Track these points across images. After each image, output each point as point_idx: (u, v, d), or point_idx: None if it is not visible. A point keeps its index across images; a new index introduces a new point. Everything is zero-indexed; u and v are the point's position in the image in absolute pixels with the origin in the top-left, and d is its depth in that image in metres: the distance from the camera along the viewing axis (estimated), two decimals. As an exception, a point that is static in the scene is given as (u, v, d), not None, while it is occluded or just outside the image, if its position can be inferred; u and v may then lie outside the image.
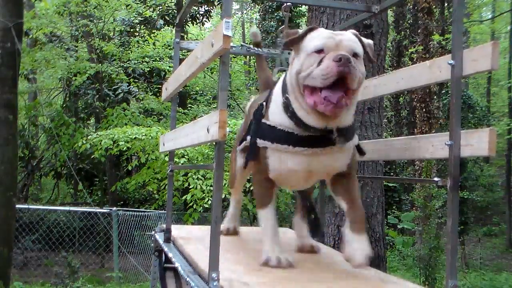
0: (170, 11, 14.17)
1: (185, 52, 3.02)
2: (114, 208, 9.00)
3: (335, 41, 1.67)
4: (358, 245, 1.73)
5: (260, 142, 1.84)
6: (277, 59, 2.53)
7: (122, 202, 12.60)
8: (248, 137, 1.92)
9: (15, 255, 8.12)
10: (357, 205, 1.83)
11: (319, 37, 1.70)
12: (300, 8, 14.54)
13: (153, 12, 14.00)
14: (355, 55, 1.68)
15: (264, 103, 1.92)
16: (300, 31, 1.77)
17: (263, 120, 1.86)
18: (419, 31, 12.88)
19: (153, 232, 2.86)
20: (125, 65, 12.05)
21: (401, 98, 15.83)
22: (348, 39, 1.71)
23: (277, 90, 1.88)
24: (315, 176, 1.93)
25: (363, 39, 1.80)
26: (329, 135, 1.73)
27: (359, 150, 1.96)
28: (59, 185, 15.64)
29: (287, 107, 1.77)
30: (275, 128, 1.80)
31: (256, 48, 2.57)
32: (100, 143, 8.93)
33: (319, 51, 1.66)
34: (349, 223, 1.79)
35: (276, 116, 1.82)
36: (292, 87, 1.75)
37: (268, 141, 1.81)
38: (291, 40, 1.76)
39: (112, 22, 12.67)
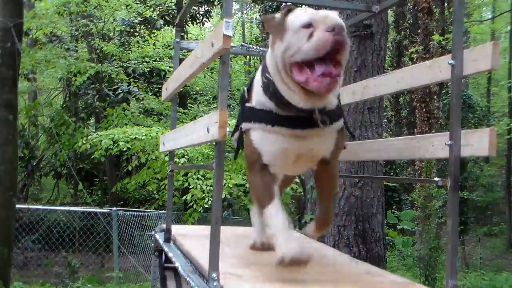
0: (170, 11, 14.16)
1: (185, 52, 3.02)
2: (114, 208, 9.00)
3: (321, 15, 1.64)
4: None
5: (243, 125, 1.82)
6: None
7: (122, 202, 12.60)
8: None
9: (15, 255, 8.11)
10: (328, 203, 1.93)
11: (304, 13, 1.66)
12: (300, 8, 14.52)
13: (153, 12, 13.99)
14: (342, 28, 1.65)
15: (246, 89, 1.92)
16: (277, 15, 1.74)
17: (246, 104, 1.85)
18: (419, 31, 12.88)
19: (153, 232, 2.87)
20: (125, 65, 12.04)
21: (401, 98, 15.82)
22: (333, 13, 1.68)
23: (258, 74, 1.87)
24: (303, 160, 1.84)
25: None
26: (311, 116, 1.69)
27: (348, 130, 1.98)
28: (59, 185, 15.64)
29: (267, 88, 1.74)
30: (254, 108, 1.78)
31: (256, 48, 2.57)
32: (100, 143, 8.93)
33: (307, 25, 1.61)
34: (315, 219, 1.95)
35: (256, 98, 1.80)
36: (276, 68, 1.70)
37: (248, 122, 1.79)
38: (274, 25, 1.71)
39: (112, 22, 12.66)
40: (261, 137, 1.75)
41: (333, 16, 1.65)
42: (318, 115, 1.68)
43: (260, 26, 15.76)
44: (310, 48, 1.57)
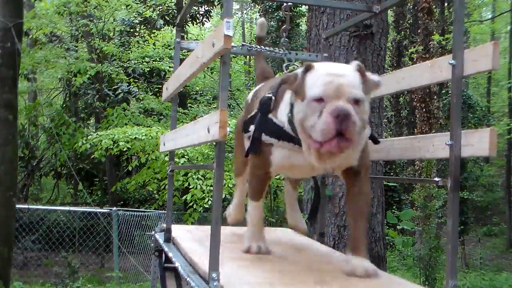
0: (170, 11, 14.17)
1: (185, 52, 3.02)
2: (114, 208, 9.00)
3: (334, 87, 1.60)
4: (356, 262, 1.78)
5: (266, 139, 1.84)
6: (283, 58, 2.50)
7: (122, 202, 12.60)
8: (252, 126, 1.91)
9: (15, 255, 8.12)
10: (362, 220, 1.85)
11: (317, 83, 1.63)
12: (300, 8, 14.53)
13: (153, 12, 14.00)
14: (356, 101, 1.62)
15: (273, 98, 1.87)
16: (298, 73, 1.71)
17: (271, 116, 1.85)
18: (419, 31, 12.89)
19: (153, 232, 2.86)
20: (125, 65, 12.04)
21: (401, 98, 15.82)
22: (348, 82, 1.63)
23: (288, 94, 1.83)
24: (319, 170, 1.92)
25: (368, 74, 1.73)
26: None
27: (373, 139, 1.97)
28: (59, 185, 15.64)
29: (291, 123, 1.76)
30: (281, 128, 1.80)
31: (256, 47, 2.56)
32: (100, 143, 8.93)
33: (319, 99, 1.61)
34: (351, 241, 1.87)
35: (283, 116, 1.81)
36: (297, 125, 1.72)
37: (275, 138, 1.82)
38: (295, 86, 1.71)
39: (112, 22, 12.66)
40: (284, 154, 1.83)
41: (346, 90, 1.61)
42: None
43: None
44: (319, 130, 1.59)
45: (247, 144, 2.13)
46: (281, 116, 1.83)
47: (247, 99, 2.33)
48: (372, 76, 1.75)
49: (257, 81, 2.57)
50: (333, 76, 1.63)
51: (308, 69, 1.70)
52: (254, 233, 2.06)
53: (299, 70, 1.73)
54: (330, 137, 1.58)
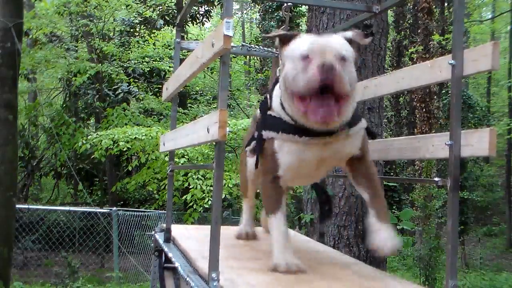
0: (170, 11, 14.17)
1: (185, 52, 3.02)
2: (114, 208, 9.00)
3: (320, 45, 1.63)
4: (386, 234, 1.75)
5: (266, 134, 1.81)
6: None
7: (122, 202, 12.60)
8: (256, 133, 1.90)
9: (15, 255, 8.12)
10: (379, 194, 1.82)
11: (304, 43, 1.67)
12: (300, 8, 14.53)
13: (153, 12, 14.00)
14: (342, 58, 1.63)
15: (268, 96, 1.90)
16: (289, 34, 1.77)
17: (269, 112, 1.85)
18: (419, 31, 12.89)
19: (153, 232, 2.86)
20: (125, 65, 12.04)
21: (401, 98, 15.83)
22: (335, 42, 1.67)
23: (278, 86, 1.87)
24: (326, 164, 1.87)
25: (355, 40, 1.76)
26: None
27: (370, 133, 1.96)
28: (59, 185, 15.64)
29: (282, 104, 1.77)
30: (280, 119, 1.79)
31: (256, 47, 2.56)
32: (100, 143, 8.93)
33: (305, 57, 1.62)
34: (374, 212, 1.78)
35: (276, 108, 1.82)
36: (282, 92, 1.74)
37: (274, 131, 1.78)
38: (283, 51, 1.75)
39: (112, 22, 12.66)
40: (289, 149, 1.77)
41: (332, 47, 1.63)
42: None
43: (259, 26, 15.72)
44: (301, 86, 1.60)
45: (249, 160, 2.13)
46: (275, 106, 1.82)
47: (256, 115, 2.22)
48: (361, 38, 1.78)
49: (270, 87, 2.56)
50: (318, 38, 1.69)
51: (296, 35, 1.76)
52: (279, 249, 1.80)
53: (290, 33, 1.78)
54: (315, 88, 1.56)
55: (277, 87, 1.88)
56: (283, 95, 1.74)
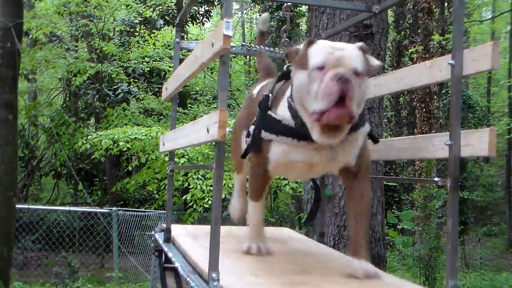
0: (170, 11, 14.17)
1: (185, 52, 3.02)
2: (114, 208, 9.00)
3: (336, 57, 1.62)
4: (357, 264, 1.76)
5: (265, 135, 1.82)
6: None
7: (122, 202, 12.60)
8: (252, 127, 1.90)
9: (15, 255, 8.12)
10: (362, 223, 1.82)
11: (319, 53, 1.65)
12: (300, 8, 14.54)
13: (153, 12, 14.00)
14: (356, 72, 1.62)
15: (270, 95, 1.88)
16: (300, 47, 1.73)
17: (269, 113, 1.84)
18: (419, 31, 12.89)
19: (153, 232, 2.86)
20: (125, 65, 12.04)
21: (401, 98, 15.83)
22: (349, 55, 1.65)
23: (285, 87, 1.85)
24: (317, 169, 1.88)
25: (368, 56, 1.74)
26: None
27: (372, 138, 1.95)
28: (59, 185, 15.64)
29: (291, 107, 1.76)
30: (280, 122, 1.79)
31: (256, 47, 2.55)
32: (100, 143, 8.94)
33: (320, 68, 1.62)
34: (351, 242, 1.82)
35: (283, 110, 1.81)
36: (297, 101, 1.72)
37: (274, 134, 1.79)
38: (297, 59, 1.72)
39: (112, 22, 12.67)
40: (282, 150, 1.79)
41: (347, 60, 1.62)
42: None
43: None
44: (318, 101, 1.58)
45: (243, 142, 2.11)
46: (281, 111, 1.81)
47: (252, 94, 2.26)
48: (373, 59, 1.76)
49: (260, 77, 2.54)
50: (335, 49, 1.67)
51: (311, 42, 1.72)
52: (254, 233, 2.06)
53: (301, 45, 1.74)
54: (332, 100, 1.56)
55: (284, 88, 1.86)
56: (300, 107, 1.71)
